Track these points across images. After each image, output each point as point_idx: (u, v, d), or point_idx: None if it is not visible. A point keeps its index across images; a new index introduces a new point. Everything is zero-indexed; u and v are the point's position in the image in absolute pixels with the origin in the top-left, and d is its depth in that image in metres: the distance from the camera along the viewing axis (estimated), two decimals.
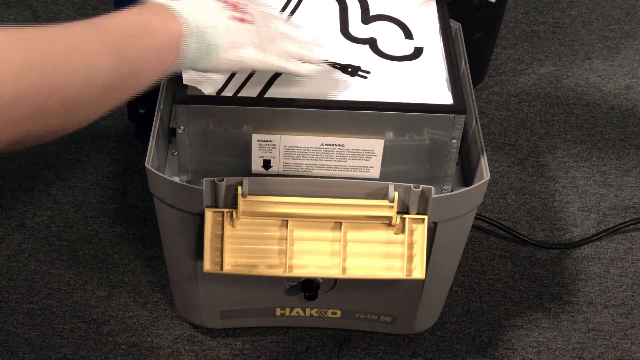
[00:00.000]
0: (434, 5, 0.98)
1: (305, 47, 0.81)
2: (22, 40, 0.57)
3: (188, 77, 0.82)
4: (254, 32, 0.77)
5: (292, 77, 0.85)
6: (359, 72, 0.88)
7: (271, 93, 0.85)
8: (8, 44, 0.55)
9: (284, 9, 0.94)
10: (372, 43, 0.92)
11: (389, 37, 0.93)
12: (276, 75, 0.86)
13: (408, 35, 0.93)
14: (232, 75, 0.86)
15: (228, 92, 0.85)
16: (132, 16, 0.68)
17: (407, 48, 0.92)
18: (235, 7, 0.77)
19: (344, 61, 0.89)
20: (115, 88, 0.64)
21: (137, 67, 0.67)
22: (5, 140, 0.55)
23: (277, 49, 0.78)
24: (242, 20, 0.76)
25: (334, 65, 0.88)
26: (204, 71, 0.77)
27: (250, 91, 0.85)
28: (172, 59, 0.70)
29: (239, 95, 0.84)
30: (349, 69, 0.89)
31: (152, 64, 0.69)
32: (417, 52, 0.91)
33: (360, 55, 0.90)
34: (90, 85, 0.61)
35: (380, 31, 0.94)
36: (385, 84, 0.87)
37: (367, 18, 0.95)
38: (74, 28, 0.61)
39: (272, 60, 0.78)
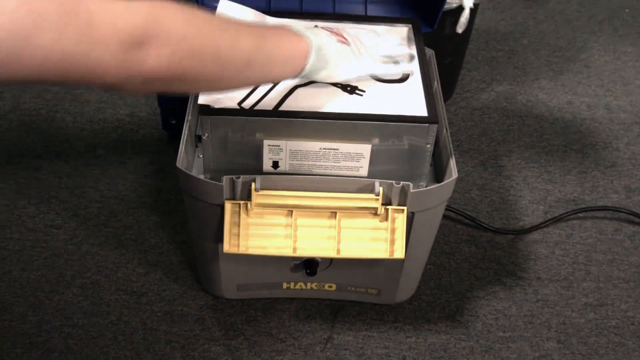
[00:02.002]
0: (412, 37, 0.98)
1: (388, 51, 0.91)
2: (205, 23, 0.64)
3: (203, 99, 0.85)
4: (351, 50, 0.84)
5: (303, 94, 0.86)
6: (356, 91, 0.88)
7: (285, 106, 0.85)
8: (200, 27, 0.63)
9: None
10: None
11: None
12: (290, 92, 0.87)
13: (396, 64, 0.94)
14: (253, 90, 0.87)
15: (250, 106, 0.85)
16: (271, 29, 0.76)
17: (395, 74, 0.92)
18: (336, 34, 0.83)
19: (344, 83, 0.89)
20: (250, 68, 0.70)
21: (269, 60, 0.72)
22: (175, 70, 0.61)
23: (368, 57, 0.86)
24: (342, 42, 0.83)
25: (336, 84, 0.89)
26: (320, 80, 0.84)
27: (269, 104, 0.85)
28: (297, 64, 0.77)
29: (257, 107, 0.85)
30: (348, 88, 0.89)
31: (281, 64, 0.75)
32: (403, 77, 0.91)
33: (357, 79, 0.90)
34: (236, 51, 0.67)
35: None
36: (376, 100, 0.87)
37: None
38: (233, 21, 0.69)
39: (366, 67, 0.87)
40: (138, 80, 0.59)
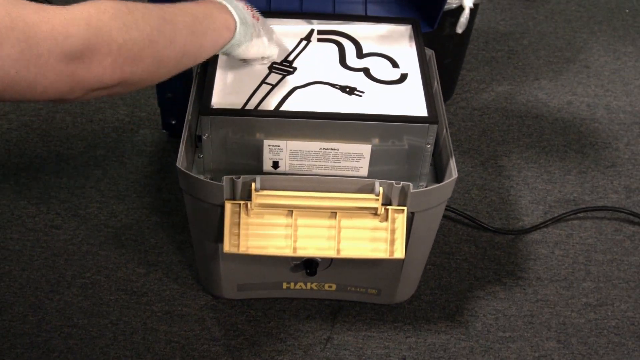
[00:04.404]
0: (413, 38, 0.98)
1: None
2: (146, 14, 0.64)
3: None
4: (262, 26, 0.85)
5: (303, 95, 0.87)
6: (355, 92, 0.88)
7: (285, 106, 0.85)
8: (141, 17, 0.63)
9: (293, 51, 0.95)
10: (366, 71, 0.92)
11: (380, 67, 0.93)
12: (291, 92, 0.88)
13: (395, 65, 0.94)
14: (254, 92, 0.87)
15: (250, 106, 0.85)
16: (199, 6, 0.75)
17: (395, 74, 0.92)
18: (249, 8, 0.83)
19: (343, 84, 0.89)
20: (187, 53, 0.70)
21: (202, 40, 0.73)
22: (118, 78, 0.61)
23: (273, 37, 0.89)
24: (256, 18, 0.84)
25: (334, 86, 0.89)
26: (235, 56, 0.84)
27: (269, 105, 0.85)
28: (225, 38, 0.77)
29: (259, 108, 0.85)
30: (347, 89, 0.89)
31: (211, 41, 0.75)
32: (403, 78, 0.91)
33: (356, 80, 0.90)
34: (173, 47, 0.67)
35: (372, 63, 0.94)
36: (376, 101, 0.87)
37: (361, 54, 0.95)
38: (168, 10, 0.68)
39: (273, 50, 0.89)
40: (81, 92, 0.59)
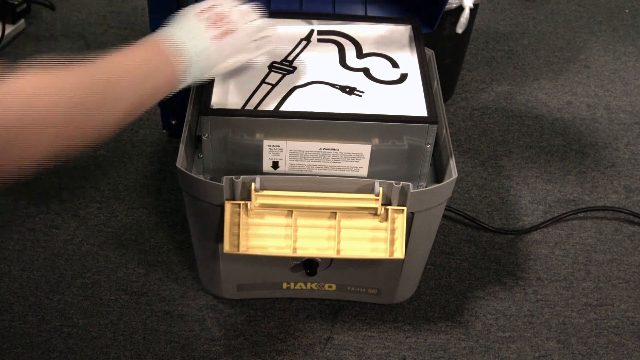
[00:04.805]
0: (413, 38, 0.98)
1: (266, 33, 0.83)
2: (64, 85, 0.58)
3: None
4: (234, 42, 0.77)
5: (303, 95, 0.87)
6: (355, 92, 0.88)
7: (285, 106, 0.85)
8: (53, 88, 0.57)
9: (293, 51, 0.95)
10: (366, 71, 0.92)
11: (380, 67, 0.93)
12: (290, 92, 0.87)
13: (395, 65, 0.93)
14: (254, 92, 0.87)
15: (250, 106, 0.85)
16: (138, 61, 0.67)
17: (395, 74, 0.92)
18: (216, 22, 0.75)
19: (343, 84, 0.89)
20: (129, 116, 0.66)
21: (149, 100, 0.68)
22: (49, 152, 0.57)
23: (251, 45, 0.80)
24: (224, 34, 0.75)
25: (334, 86, 0.89)
26: (205, 80, 0.78)
27: (269, 105, 0.85)
28: (172, 87, 0.72)
29: (259, 108, 0.85)
30: (347, 89, 0.89)
31: (156, 98, 0.70)
32: (403, 78, 0.91)
33: (356, 80, 0.90)
34: (114, 119, 0.63)
35: (372, 63, 0.94)
36: (376, 101, 0.87)
37: (360, 55, 0.95)
38: (96, 79, 0.62)
39: (246, 58, 0.81)
40: (15, 172, 0.56)
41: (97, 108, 0.61)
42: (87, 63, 0.62)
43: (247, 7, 0.80)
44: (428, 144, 0.86)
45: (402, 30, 1.00)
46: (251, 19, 0.80)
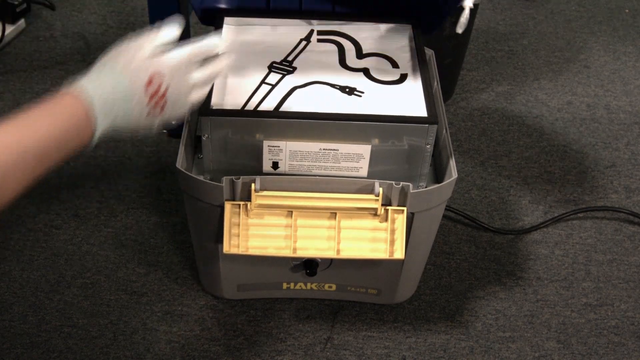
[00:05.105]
0: (413, 38, 0.98)
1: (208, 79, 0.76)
2: None
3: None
4: (164, 115, 0.72)
5: (302, 95, 0.86)
6: (355, 92, 0.88)
7: (285, 107, 0.85)
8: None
9: (292, 51, 0.94)
10: (365, 71, 0.92)
11: (380, 67, 0.93)
12: (290, 92, 0.87)
13: (395, 65, 0.93)
14: (254, 92, 0.87)
15: (250, 107, 0.85)
16: (53, 127, 0.63)
17: (394, 75, 0.92)
18: (152, 96, 0.70)
19: (343, 84, 0.89)
20: (36, 178, 0.64)
21: (54, 163, 0.65)
22: None
23: (182, 102, 0.74)
24: (155, 106, 0.70)
25: (334, 86, 0.89)
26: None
27: (268, 105, 0.85)
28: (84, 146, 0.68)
29: (259, 108, 0.85)
30: (347, 90, 0.88)
31: (66, 159, 0.66)
32: (402, 78, 0.91)
33: (356, 80, 0.90)
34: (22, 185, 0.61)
35: (372, 63, 0.94)
36: (376, 101, 0.87)
37: (360, 54, 0.95)
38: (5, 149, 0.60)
39: (177, 114, 0.74)
40: None
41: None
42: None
43: (185, 62, 0.73)
44: (428, 144, 0.86)
45: (402, 30, 1.00)
46: (188, 75, 0.74)
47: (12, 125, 0.62)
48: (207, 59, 0.75)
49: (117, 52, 0.70)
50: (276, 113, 0.84)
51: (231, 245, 0.88)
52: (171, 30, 0.73)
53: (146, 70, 0.69)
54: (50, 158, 0.64)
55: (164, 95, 0.70)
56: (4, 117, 0.61)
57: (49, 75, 1.47)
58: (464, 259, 1.16)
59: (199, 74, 0.74)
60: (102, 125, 0.67)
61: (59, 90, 0.66)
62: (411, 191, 0.85)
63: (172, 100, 0.71)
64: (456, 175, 0.87)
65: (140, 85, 0.68)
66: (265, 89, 0.88)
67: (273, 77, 0.90)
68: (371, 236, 0.88)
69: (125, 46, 0.70)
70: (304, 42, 0.96)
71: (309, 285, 1.03)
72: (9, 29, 1.55)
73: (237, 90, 0.87)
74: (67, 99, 0.65)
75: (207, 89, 0.76)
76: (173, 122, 0.74)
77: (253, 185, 0.84)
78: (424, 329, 1.06)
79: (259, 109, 0.85)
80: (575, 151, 1.38)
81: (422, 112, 0.85)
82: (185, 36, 0.75)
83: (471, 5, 1.24)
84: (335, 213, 0.87)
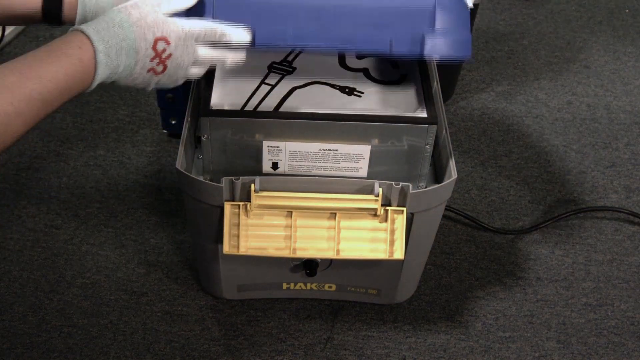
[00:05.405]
0: None
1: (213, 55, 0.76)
2: None
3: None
4: (157, 79, 0.73)
5: (302, 95, 0.86)
6: (355, 92, 0.88)
7: (284, 107, 0.85)
8: None
9: (292, 51, 0.94)
10: (365, 71, 0.92)
11: (379, 67, 0.93)
12: (290, 92, 0.86)
13: (394, 65, 0.93)
14: (254, 92, 0.86)
15: (250, 107, 0.85)
16: (58, 72, 0.64)
17: (394, 75, 0.91)
18: (155, 56, 0.71)
19: (342, 84, 0.89)
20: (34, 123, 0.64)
21: (56, 107, 0.65)
22: None
23: (180, 73, 0.74)
24: (158, 65, 0.72)
25: (334, 86, 0.89)
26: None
27: (268, 105, 0.85)
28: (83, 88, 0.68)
29: (259, 108, 0.85)
30: (346, 90, 0.88)
31: (65, 102, 0.67)
32: (402, 78, 0.91)
33: (356, 80, 0.90)
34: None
35: (372, 63, 0.93)
36: (375, 101, 0.87)
37: (360, 55, 0.95)
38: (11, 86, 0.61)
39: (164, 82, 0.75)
40: None
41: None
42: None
43: (193, 36, 0.73)
44: (427, 144, 0.86)
45: None
46: (192, 50, 0.74)
47: (19, 67, 0.62)
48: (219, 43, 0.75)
49: (132, 6, 0.71)
50: (276, 113, 0.84)
51: (231, 245, 0.87)
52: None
53: (155, 32, 0.70)
54: (54, 102, 0.65)
55: (165, 59, 0.72)
56: (12, 60, 0.62)
57: None
58: (464, 259, 1.16)
59: (204, 52, 0.74)
60: (104, 72, 0.68)
61: (68, 32, 0.67)
62: (411, 191, 0.85)
63: (172, 66, 0.73)
64: (456, 176, 0.87)
65: (147, 42, 0.69)
66: (264, 89, 0.88)
67: (273, 77, 0.90)
68: (371, 236, 0.88)
69: (142, 2, 0.71)
70: None
71: (308, 285, 1.03)
72: (9, 29, 1.55)
73: (236, 91, 0.87)
74: (75, 42, 0.66)
75: (206, 68, 0.76)
76: (168, 86, 0.75)
77: (253, 185, 0.84)
78: (424, 329, 1.06)
79: (259, 109, 0.85)
80: (575, 151, 1.38)
81: (422, 112, 0.85)
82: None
83: (471, 5, 1.24)
84: (335, 213, 0.87)
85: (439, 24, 0.78)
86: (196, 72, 0.76)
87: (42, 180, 1.25)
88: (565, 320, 1.08)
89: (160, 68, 0.72)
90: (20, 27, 1.59)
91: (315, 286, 1.04)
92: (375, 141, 0.85)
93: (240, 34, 0.76)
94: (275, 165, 0.88)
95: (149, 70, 0.71)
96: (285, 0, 0.77)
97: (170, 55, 0.72)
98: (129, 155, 1.31)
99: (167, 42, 0.71)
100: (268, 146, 0.86)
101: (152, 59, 0.71)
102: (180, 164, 0.86)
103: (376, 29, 0.77)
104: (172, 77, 0.74)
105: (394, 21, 0.77)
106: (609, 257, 1.18)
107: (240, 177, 0.84)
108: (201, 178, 0.87)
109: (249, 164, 0.88)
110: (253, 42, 0.77)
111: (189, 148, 0.91)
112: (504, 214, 1.24)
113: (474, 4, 1.24)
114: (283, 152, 0.86)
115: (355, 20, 0.77)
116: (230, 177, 0.84)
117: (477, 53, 1.63)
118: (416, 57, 0.79)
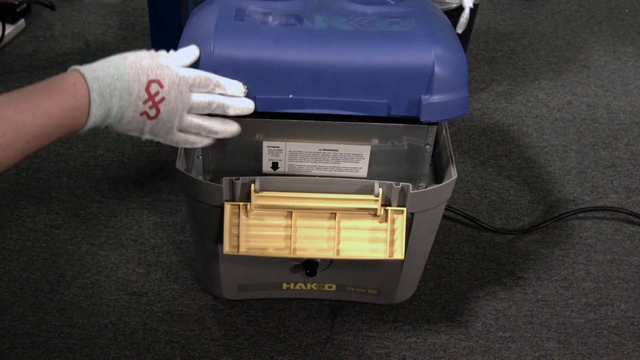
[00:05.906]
0: None
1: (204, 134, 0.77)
2: None
3: None
4: (154, 126, 0.74)
5: None
6: None
7: None
8: None
9: None
10: None
11: None
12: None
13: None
14: None
15: None
16: (52, 108, 0.65)
17: None
18: (148, 99, 0.71)
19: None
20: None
21: (46, 144, 0.67)
22: None
23: (170, 138, 0.76)
24: (150, 108, 0.72)
25: None
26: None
27: None
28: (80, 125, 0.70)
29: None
30: None
31: (56, 141, 0.68)
32: None
33: None
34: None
35: None
36: None
37: None
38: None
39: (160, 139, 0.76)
40: None
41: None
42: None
43: (188, 83, 0.74)
44: (427, 144, 0.85)
45: None
46: (186, 96, 0.74)
47: (14, 99, 0.63)
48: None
49: (131, 52, 0.72)
50: (276, 113, 0.84)
51: (231, 245, 0.87)
52: (186, 54, 0.75)
53: (149, 74, 0.71)
54: (46, 137, 0.65)
55: (158, 102, 0.72)
56: (7, 92, 0.62)
57: (49, 75, 1.45)
58: (464, 259, 1.16)
59: (199, 98, 0.75)
60: (97, 112, 0.68)
61: (64, 71, 0.68)
62: (411, 191, 0.85)
63: (165, 111, 0.73)
64: (456, 176, 0.87)
65: (141, 84, 0.70)
66: None
67: None
68: (371, 236, 0.88)
69: (138, 51, 0.73)
70: None
71: (308, 285, 1.03)
72: (9, 29, 1.55)
73: None
74: (71, 79, 0.67)
75: (195, 139, 0.78)
76: (162, 141, 0.76)
77: (253, 185, 0.84)
78: (424, 329, 1.06)
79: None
80: (575, 151, 1.38)
81: None
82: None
83: (471, 5, 1.24)
84: (335, 213, 0.87)
85: (437, 86, 0.78)
86: (197, 140, 0.77)
87: (42, 180, 1.25)
88: (565, 320, 1.08)
89: (153, 112, 0.72)
90: (21, 27, 1.59)
91: (315, 286, 1.03)
92: (375, 141, 0.85)
93: (235, 87, 0.77)
94: (275, 165, 0.88)
95: (142, 114, 0.71)
96: (285, 64, 0.77)
97: (163, 99, 0.72)
98: (129, 155, 1.31)
99: (161, 85, 0.71)
100: (268, 146, 0.85)
101: (144, 101, 0.71)
102: (180, 163, 0.86)
103: (375, 93, 0.79)
104: (167, 125, 0.74)
105: (392, 85, 0.78)
106: (609, 257, 1.18)
107: (240, 177, 0.84)
108: (201, 178, 0.87)
109: (249, 164, 0.87)
110: (255, 109, 0.79)
111: (189, 148, 0.91)
112: (504, 214, 1.24)
113: (474, 4, 1.24)
114: (283, 152, 0.86)
115: (354, 83, 0.78)
116: (230, 177, 0.84)
117: (478, 53, 1.63)
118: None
